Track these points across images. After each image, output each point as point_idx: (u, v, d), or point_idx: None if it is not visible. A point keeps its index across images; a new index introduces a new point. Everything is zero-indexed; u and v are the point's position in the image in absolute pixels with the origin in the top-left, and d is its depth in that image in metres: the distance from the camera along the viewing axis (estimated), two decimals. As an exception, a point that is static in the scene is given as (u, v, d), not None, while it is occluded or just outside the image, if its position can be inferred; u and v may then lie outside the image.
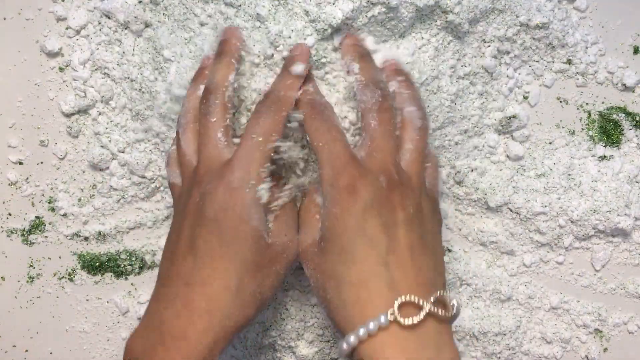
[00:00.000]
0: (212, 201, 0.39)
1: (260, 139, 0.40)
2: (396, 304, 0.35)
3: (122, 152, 0.53)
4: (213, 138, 0.41)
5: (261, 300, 0.40)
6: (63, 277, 0.56)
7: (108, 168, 0.54)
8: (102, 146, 0.53)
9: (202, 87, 0.44)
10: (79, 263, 0.56)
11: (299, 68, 0.42)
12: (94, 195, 0.55)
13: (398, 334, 0.35)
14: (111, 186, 0.54)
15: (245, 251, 0.39)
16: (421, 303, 0.35)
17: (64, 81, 0.54)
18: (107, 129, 0.53)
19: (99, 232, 0.55)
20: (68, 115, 0.54)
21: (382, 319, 0.35)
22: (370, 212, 0.38)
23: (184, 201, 0.41)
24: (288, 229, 0.42)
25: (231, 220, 0.39)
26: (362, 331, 0.35)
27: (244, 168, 0.39)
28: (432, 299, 0.35)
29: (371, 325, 0.34)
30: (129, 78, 0.52)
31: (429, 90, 0.50)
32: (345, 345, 0.35)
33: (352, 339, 0.35)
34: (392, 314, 0.35)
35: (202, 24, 0.48)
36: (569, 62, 0.55)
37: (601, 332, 0.58)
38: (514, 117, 0.54)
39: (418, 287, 0.37)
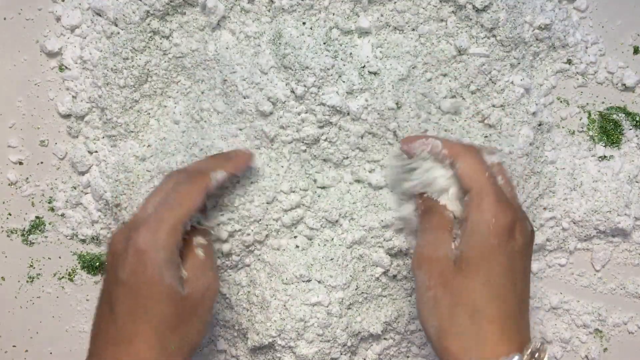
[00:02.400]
0: (123, 264, 0.39)
1: (175, 205, 0.41)
2: (528, 349, 0.38)
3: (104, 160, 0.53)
4: (150, 202, 0.42)
5: (190, 347, 0.41)
6: (63, 277, 0.56)
7: (88, 171, 0.54)
8: (89, 151, 0.54)
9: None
10: (79, 263, 0.56)
11: (220, 175, 0.44)
12: (88, 193, 0.55)
13: None
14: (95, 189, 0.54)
15: (162, 309, 0.39)
16: (542, 352, 0.38)
17: (64, 81, 0.54)
18: (95, 134, 0.54)
19: (93, 237, 0.55)
20: (66, 116, 0.54)
21: (517, 358, 0.37)
22: (521, 255, 0.41)
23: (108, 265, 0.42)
24: (203, 273, 0.43)
25: (143, 283, 0.39)
26: None
27: (152, 232, 0.40)
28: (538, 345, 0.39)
29: None
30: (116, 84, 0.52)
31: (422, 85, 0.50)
32: None
33: None
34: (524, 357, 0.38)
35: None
36: (569, 62, 0.55)
37: (601, 332, 0.58)
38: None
39: (528, 333, 0.41)
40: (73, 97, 0.54)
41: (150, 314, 0.39)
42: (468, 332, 0.39)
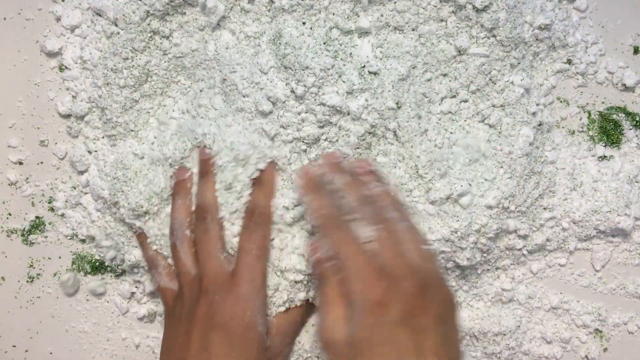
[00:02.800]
0: (222, 311, 0.45)
1: (258, 252, 0.47)
2: None
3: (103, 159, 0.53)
4: (213, 253, 0.47)
5: None
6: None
7: (87, 171, 0.54)
8: (88, 151, 0.54)
9: (185, 201, 0.49)
10: (78, 263, 0.56)
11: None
12: (87, 193, 0.55)
13: None
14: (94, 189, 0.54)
15: (252, 351, 0.45)
16: None
17: (64, 81, 0.54)
18: (94, 134, 0.54)
19: (92, 237, 0.55)
20: (66, 116, 0.54)
21: None
22: (400, 323, 0.37)
23: (188, 309, 0.46)
24: (285, 336, 0.49)
25: (239, 327, 0.45)
26: None
27: (249, 281, 0.46)
28: None
29: None
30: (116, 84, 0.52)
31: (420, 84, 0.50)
32: None
33: None
34: None
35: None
36: (569, 62, 0.55)
37: (601, 332, 0.58)
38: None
39: None
40: (73, 97, 0.54)
41: (241, 355, 0.44)
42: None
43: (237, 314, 0.45)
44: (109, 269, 0.56)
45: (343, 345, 0.38)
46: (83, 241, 0.56)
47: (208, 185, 0.48)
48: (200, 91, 0.52)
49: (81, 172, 0.54)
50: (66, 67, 0.54)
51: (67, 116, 0.54)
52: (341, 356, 0.39)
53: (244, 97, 0.49)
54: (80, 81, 0.53)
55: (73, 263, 0.56)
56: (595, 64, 0.55)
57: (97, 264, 0.56)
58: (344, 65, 0.49)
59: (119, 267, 0.56)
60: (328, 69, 0.48)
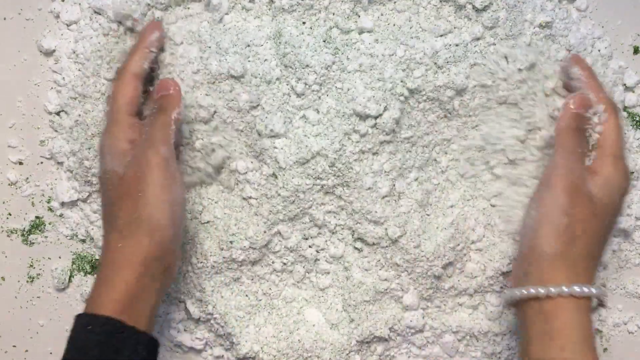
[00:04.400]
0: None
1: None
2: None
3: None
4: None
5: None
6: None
7: (62, 163, 0.54)
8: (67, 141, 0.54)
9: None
10: (78, 263, 0.56)
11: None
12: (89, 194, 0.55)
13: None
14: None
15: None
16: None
17: (53, 72, 0.54)
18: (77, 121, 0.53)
19: (92, 237, 0.55)
20: (57, 113, 0.54)
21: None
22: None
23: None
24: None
25: None
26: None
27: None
28: None
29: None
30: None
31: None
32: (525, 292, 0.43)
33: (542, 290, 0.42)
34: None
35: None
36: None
37: (601, 332, 0.58)
38: None
39: None
40: (57, 91, 0.53)
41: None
42: (580, 264, 0.43)
43: None
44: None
45: (590, 202, 0.45)
46: (83, 241, 0.56)
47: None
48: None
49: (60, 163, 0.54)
50: (56, 61, 0.53)
51: (58, 113, 0.54)
52: (584, 209, 0.44)
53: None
54: (67, 73, 0.53)
55: (73, 263, 0.56)
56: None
57: (97, 264, 0.56)
58: (343, 63, 0.49)
59: None
60: (328, 66, 0.48)
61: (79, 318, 0.42)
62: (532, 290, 0.42)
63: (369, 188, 0.50)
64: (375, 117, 0.49)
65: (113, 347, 0.41)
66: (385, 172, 0.50)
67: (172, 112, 0.46)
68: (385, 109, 0.49)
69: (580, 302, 0.42)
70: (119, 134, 0.46)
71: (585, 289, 0.42)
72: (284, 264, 0.53)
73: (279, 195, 0.50)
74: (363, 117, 0.49)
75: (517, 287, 0.44)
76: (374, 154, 0.50)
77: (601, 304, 0.44)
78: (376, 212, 0.50)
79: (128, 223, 0.44)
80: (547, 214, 0.44)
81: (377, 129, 0.49)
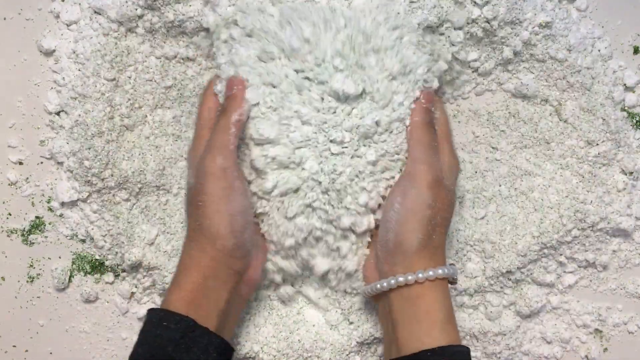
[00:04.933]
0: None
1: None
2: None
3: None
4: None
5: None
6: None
7: (62, 163, 0.54)
8: (67, 142, 0.54)
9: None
10: (78, 263, 0.56)
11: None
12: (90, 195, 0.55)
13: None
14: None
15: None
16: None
17: (53, 73, 0.54)
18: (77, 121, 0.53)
19: (92, 237, 0.55)
20: (57, 113, 0.54)
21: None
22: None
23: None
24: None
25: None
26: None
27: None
28: None
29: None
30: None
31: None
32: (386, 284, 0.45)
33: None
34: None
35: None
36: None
37: (601, 332, 0.58)
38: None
39: None
40: (57, 91, 0.54)
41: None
42: (437, 248, 0.46)
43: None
44: (109, 269, 0.56)
45: (447, 190, 0.47)
46: (83, 241, 0.56)
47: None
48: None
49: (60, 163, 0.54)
50: (56, 61, 0.53)
51: (57, 113, 0.54)
52: (444, 197, 0.46)
53: None
54: (67, 73, 0.53)
55: (73, 263, 0.56)
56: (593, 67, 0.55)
57: (97, 264, 0.56)
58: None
59: (119, 266, 0.56)
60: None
61: (152, 312, 0.43)
62: (401, 279, 0.44)
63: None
64: None
65: (185, 345, 0.41)
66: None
67: (232, 115, 0.45)
68: None
69: (441, 283, 0.45)
70: (199, 147, 0.47)
71: (447, 270, 0.44)
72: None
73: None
74: None
75: (383, 278, 0.46)
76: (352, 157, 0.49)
77: (453, 281, 0.46)
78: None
79: (194, 231, 0.45)
80: (413, 208, 0.45)
81: None
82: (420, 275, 0.44)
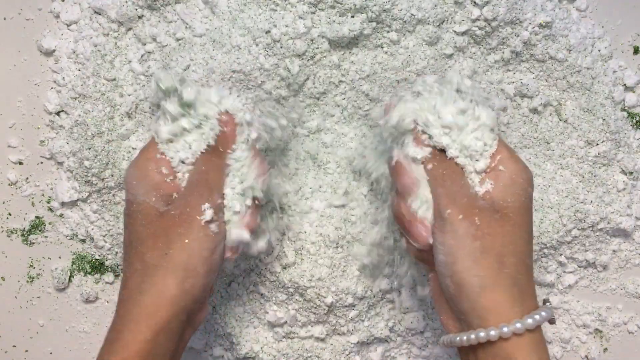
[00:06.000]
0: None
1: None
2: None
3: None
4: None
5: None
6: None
7: (62, 163, 0.54)
8: (67, 142, 0.54)
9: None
10: (78, 263, 0.56)
11: None
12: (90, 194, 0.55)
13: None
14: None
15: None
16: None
17: (53, 73, 0.54)
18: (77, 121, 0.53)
19: (92, 237, 0.55)
20: (57, 113, 0.54)
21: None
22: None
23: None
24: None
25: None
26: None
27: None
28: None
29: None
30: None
31: None
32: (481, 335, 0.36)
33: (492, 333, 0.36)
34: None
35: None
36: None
37: (601, 332, 0.58)
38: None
39: None
40: (58, 91, 0.54)
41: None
42: (517, 284, 0.37)
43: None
44: (109, 269, 0.56)
45: (489, 211, 0.39)
46: (83, 241, 0.56)
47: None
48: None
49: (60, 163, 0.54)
50: (56, 61, 0.53)
51: (57, 113, 0.54)
52: (487, 219, 0.39)
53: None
54: (67, 73, 0.53)
55: (73, 263, 0.56)
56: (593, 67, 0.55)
57: (97, 264, 0.56)
58: None
59: (119, 266, 0.56)
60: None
61: None
62: (482, 334, 0.36)
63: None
64: None
65: None
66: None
67: (225, 154, 0.42)
68: None
69: (535, 335, 0.36)
70: (148, 164, 0.42)
71: (537, 317, 0.36)
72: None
73: None
74: None
75: (458, 332, 0.38)
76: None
77: (551, 321, 0.37)
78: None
79: (155, 263, 0.38)
80: (455, 245, 0.38)
81: None
82: (505, 329, 0.35)
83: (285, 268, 0.51)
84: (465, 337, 0.37)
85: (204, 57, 0.50)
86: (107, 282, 0.56)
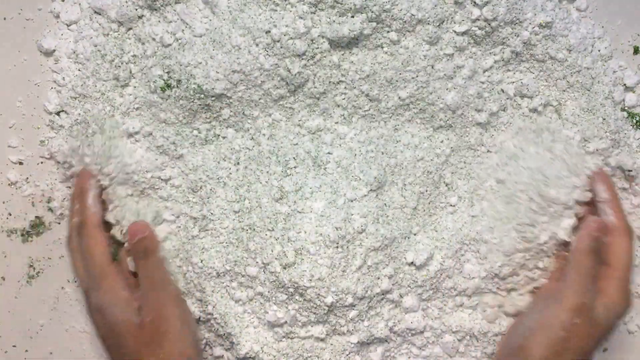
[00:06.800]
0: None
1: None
2: None
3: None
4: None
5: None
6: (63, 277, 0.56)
7: (66, 162, 0.54)
8: (66, 141, 0.53)
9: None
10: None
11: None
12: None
13: None
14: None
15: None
16: None
17: (52, 72, 0.54)
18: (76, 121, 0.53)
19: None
20: (57, 113, 0.54)
21: None
22: None
23: None
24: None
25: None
26: None
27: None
28: None
29: None
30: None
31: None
32: None
33: None
34: None
35: None
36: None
37: (601, 332, 0.58)
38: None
39: None
40: (58, 91, 0.54)
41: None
42: None
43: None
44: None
45: (596, 322, 0.46)
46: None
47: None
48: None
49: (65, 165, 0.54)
50: (56, 61, 0.53)
51: (57, 113, 0.54)
52: (588, 328, 0.46)
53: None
54: (67, 73, 0.53)
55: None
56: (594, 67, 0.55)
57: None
58: None
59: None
60: None
61: None
62: None
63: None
64: None
65: None
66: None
67: (157, 252, 0.50)
68: None
69: None
70: (115, 284, 0.48)
71: None
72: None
73: None
74: None
75: None
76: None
77: None
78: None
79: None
80: (547, 323, 0.45)
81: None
82: None
83: (285, 268, 0.51)
84: None
85: (203, 57, 0.50)
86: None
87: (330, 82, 0.51)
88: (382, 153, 0.52)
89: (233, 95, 0.51)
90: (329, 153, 0.52)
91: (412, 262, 0.53)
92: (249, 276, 0.52)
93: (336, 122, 0.53)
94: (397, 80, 0.51)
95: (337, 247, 0.51)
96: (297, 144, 0.52)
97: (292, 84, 0.50)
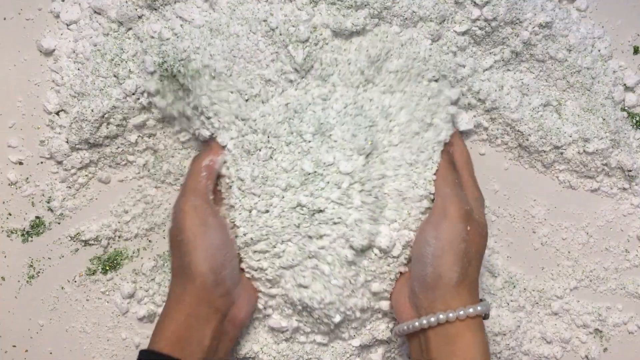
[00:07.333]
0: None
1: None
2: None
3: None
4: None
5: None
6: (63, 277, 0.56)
7: (62, 162, 0.54)
8: (65, 141, 0.53)
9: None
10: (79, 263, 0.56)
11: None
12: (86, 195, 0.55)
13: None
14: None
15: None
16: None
17: (51, 72, 0.54)
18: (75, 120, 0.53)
19: (93, 237, 0.55)
20: (56, 113, 0.54)
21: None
22: None
23: None
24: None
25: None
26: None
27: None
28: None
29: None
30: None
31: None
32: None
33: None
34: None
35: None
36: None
37: (601, 332, 0.58)
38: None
39: None
40: (57, 91, 0.54)
41: None
42: (473, 282, 0.46)
43: None
44: (109, 268, 0.56)
45: (479, 222, 0.48)
46: (84, 241, 0.56)
47: None
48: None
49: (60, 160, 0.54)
50: (55, 61, 0.53)
51: (57, 113, 0.54)
52: (475, 228, 0.47)
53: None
54: (67, 73, 0.53)
55: (73, 263, 0.56)
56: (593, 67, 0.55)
57: (96, 263, 0.56)
58: None
59: (119, 267, 0.56)
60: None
61: (142, 353, 0.44)
62: (442, 316, 0.44)
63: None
64: None
65: None
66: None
67: (204, 160, 0.48)
68: None
69: (479, 320, 0.45)
70: (196, 199, 0.48)
71: (484, 307, 0.44)
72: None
73: None
74: None
75: (421, 316, 0.46)
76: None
77: (486, 317, 0.46)
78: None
79: (176, 270, 0.47)
80: (449, 241, 0.45)
81: None
82: (461, 312, 0.44)
83: (298, 286, 0.50)
84: (433, 319, 0.44)
85: (201, 44, 0.49)
86: (107, 282, 0.56)
87: (333, 62, 0.49)
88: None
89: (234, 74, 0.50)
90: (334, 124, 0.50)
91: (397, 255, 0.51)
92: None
93: (337, 100, 0.51)
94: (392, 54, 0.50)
95: (351, 265, 0.50)
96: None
97: (296, 69, 0.49)
